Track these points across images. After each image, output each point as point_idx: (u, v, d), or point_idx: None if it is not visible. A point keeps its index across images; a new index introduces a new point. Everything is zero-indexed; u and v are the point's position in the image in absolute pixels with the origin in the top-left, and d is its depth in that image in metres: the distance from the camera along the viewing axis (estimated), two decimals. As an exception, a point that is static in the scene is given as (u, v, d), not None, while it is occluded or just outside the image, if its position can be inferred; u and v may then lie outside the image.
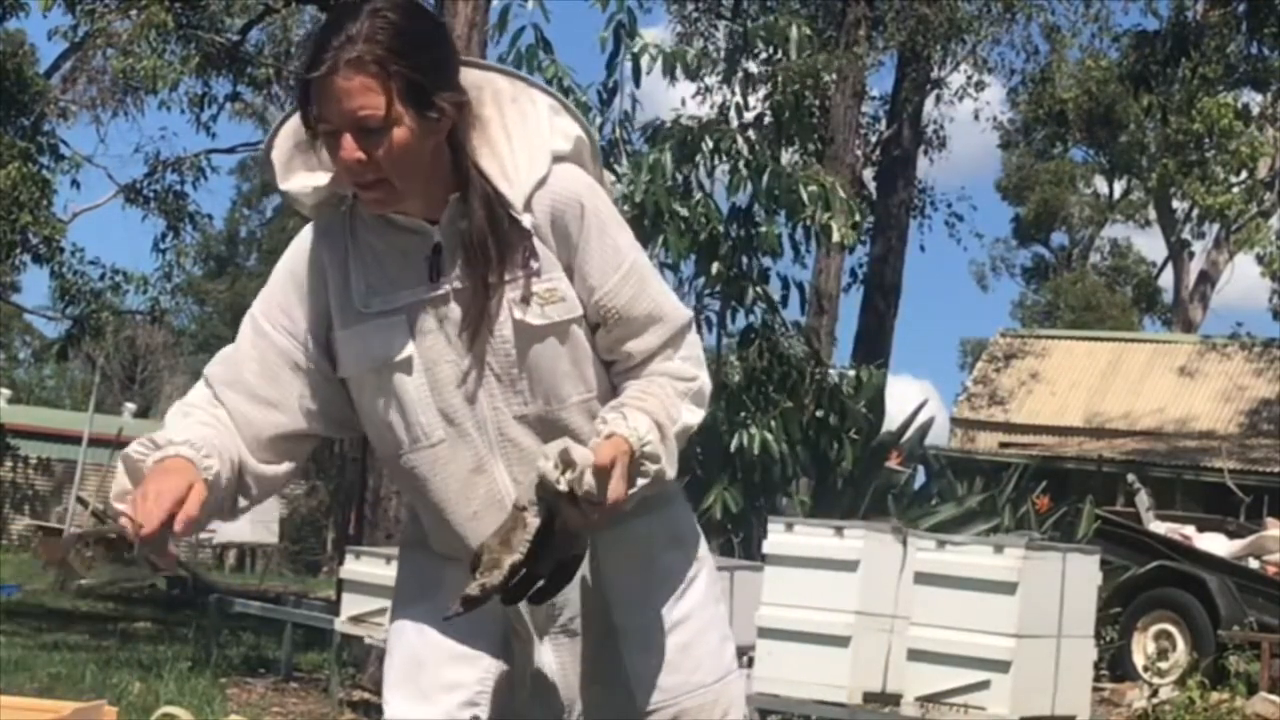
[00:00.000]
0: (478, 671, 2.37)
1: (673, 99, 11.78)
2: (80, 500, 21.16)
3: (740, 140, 9.44)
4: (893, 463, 11.53)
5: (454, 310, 2.30)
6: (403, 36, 2.21)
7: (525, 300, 2.30)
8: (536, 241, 2.31)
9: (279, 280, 2.38)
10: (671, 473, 2.29)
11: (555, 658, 2.40)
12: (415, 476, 2.36)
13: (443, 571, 2.42)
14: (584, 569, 2.34)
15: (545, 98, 2.39)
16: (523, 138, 2.33)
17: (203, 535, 24.65)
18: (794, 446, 9.74)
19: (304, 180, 2.35)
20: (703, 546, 2.53)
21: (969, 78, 22.75)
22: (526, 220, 2.29)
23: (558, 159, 2.34)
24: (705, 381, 2.38)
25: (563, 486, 2.16)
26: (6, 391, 35.93)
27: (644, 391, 2.31)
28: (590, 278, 2.33)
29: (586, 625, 2.41)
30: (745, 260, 9.46)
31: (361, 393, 2.35)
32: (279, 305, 2.37)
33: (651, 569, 2.41)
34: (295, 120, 2.33)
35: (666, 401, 2.30)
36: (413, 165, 2.23)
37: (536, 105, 2.37)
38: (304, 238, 2.39)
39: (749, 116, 10.04)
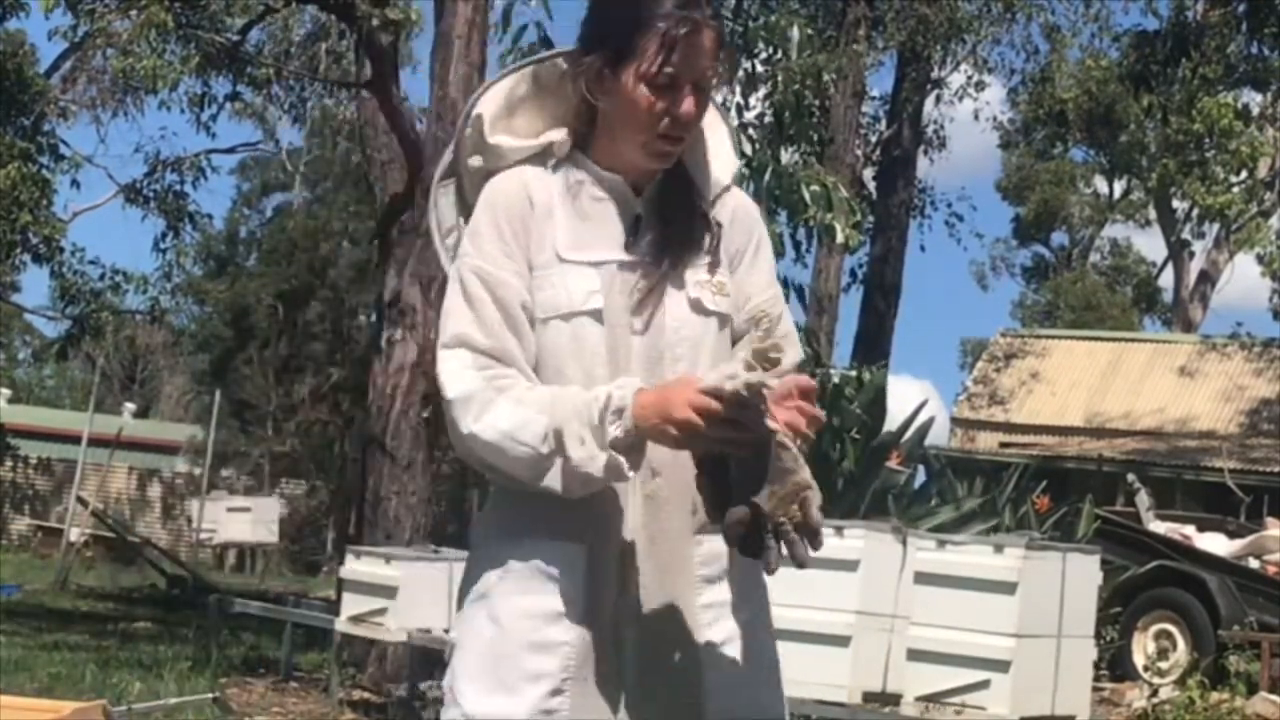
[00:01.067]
0: (559, 659, 2.37)
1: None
2: (80, 500, 21.16)
3: (741, 139, 9.43)
4: (893, 463, 11.52)
5: (639, 279, 2.40)
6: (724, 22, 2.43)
7: (702, 285, 2.44)
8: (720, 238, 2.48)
9: (489, 230, 2.42)
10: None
11: (634, 652, 2.39)
12: None
13: (551, 553, 2.39)
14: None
15: (724, 124, 2.57)
16: (713, 146, 2.51)
17: (202, 535, 24.68)
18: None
19: (513, 140, 2.46)
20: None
21: (969, 78, 22.79)
22: (714, 215, 2.47)
23: (734, 181, 2.54)
24: None
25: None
26: (6, 391, 35.95)
27: None
28: (750, 285, 2.49)
29: (663, 628, 2.40)
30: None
31: (544, 334, 2.40)
32: (501, 252, 2.40)
33: (733, 584, 2.44)
34: (507, 82, 2.48)
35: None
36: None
37: (722, 125, 2.55)
38: (508, 183, 2.45)
39: (749, 116, 10.04)
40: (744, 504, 2.23)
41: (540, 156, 2.47)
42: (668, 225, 2.43)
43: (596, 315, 2.38)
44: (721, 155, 2.52)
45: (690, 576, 2.41)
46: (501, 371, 2.34)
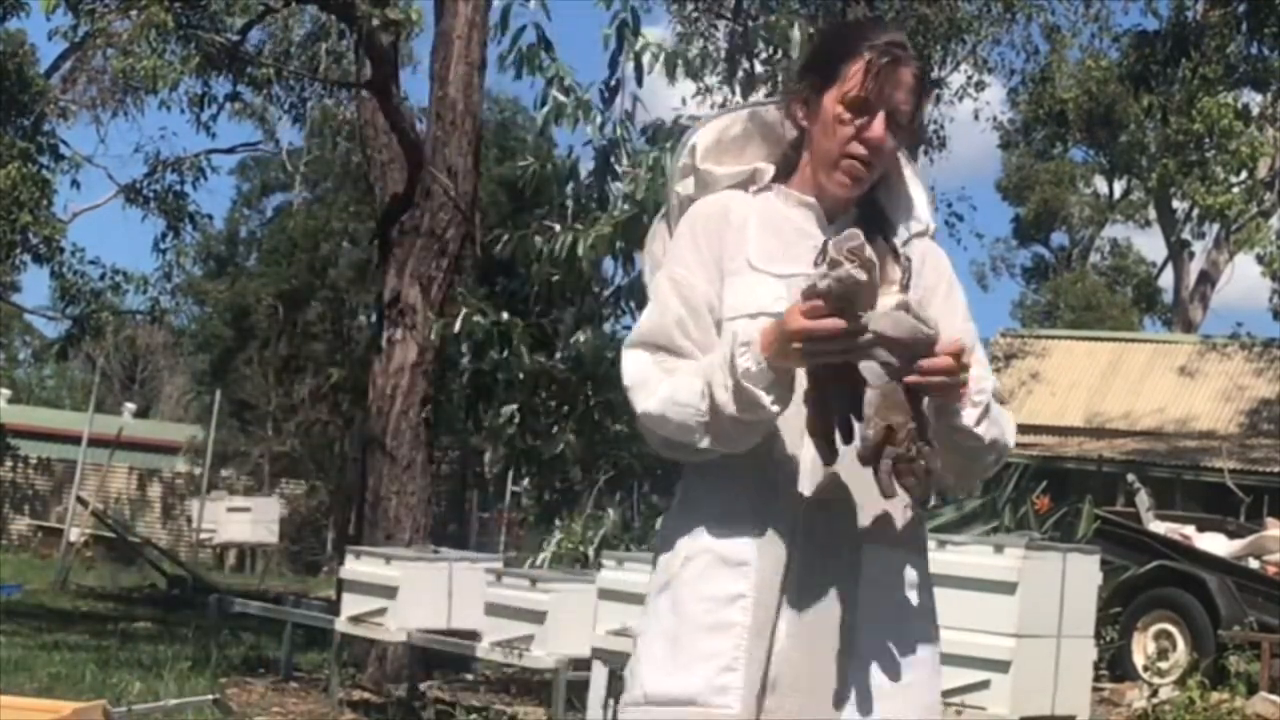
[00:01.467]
0: (732, 639, 2.51)
1: (673, 98, 11.76)
2: (80, 500, 21.15)
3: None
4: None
5: None
6: (928, 67, 2.55)
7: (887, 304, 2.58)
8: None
9: (686, 240, 2.66)
10: (995, 435, 2.53)
11: (786, 641, 2.50)
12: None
13: (728, 540, 2.55)
14: (844, 581, 2.52)
15: (922, 185, 2.78)
16: (913, 196, 2.73)
17: (202, 535, 24.68)
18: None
19: (721, 167, 2.71)
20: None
21: (969, 78, 22.78)
22: (907, 252, 2.63)
23: (927, 233, 2.74)
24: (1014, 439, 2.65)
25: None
26: (6, 391, 35.96)
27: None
28: (940, 313, 2.58)
29: (815, 625, 2.51)
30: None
31: (729, 333, 2.56)
32: (694, 259, 2.63)
33: (907, 605, 2.57)
34: (723, 120, 2.75)
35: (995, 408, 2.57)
36: (886, 166, 2.64)
37: (918, 184, 2.77)
38: (708, 203, 2.69)
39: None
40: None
41: (743, 184, 2.70)
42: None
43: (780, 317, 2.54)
44: (917, 207, 2.73)
45: (853, 581, 2.52)
46: (673, 358, 2.56)
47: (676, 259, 2.64)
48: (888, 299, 2.40)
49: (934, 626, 2.62)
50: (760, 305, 2.54)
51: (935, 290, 2.65)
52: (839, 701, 2.49)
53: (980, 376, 2.52)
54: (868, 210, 2.65)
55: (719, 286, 2.59)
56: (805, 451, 2.52)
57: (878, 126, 2.57)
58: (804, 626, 2.49)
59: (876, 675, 2.51)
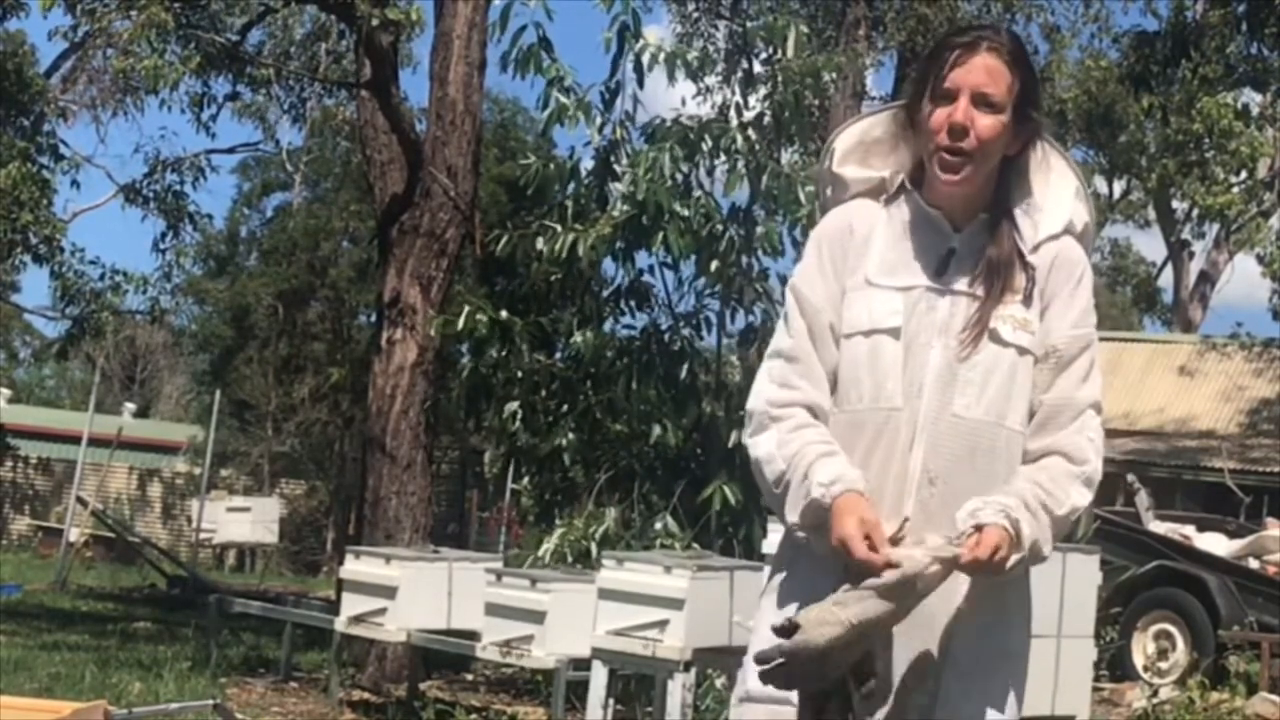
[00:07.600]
0: None
1: (673, 98, 11.76)
2: (80, 500, 21.14)
3: (740, 139, 9.42)
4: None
5: (946, 305, 2.69)
6: (1025, 54, 2.74)
7: (1004, 319, 2.69)
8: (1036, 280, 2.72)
9: (812, 256, 2.79)
10: (1048, 549, 2.64)
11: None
12: (864, 433, 2.68)
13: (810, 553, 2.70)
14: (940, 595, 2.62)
15: (1074, 180, 2.81)
16: (1051, 196, 2.76)
17: (202, 535, 24.71)
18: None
19: (857, 171, 2.80)
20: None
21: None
22: (1034, 259, 2.71)
23: (1067, 231, 2.76)
24: (1098, 467, 2.70)
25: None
26: (6, 391, 35.92)
27: (1032, 481, 2.65)
28: (1056, 324, 2.71)
29: (920, 627, 2.62)
30: (745, 259, 9.46)
31: (847, 349, 2.71)
32: (818, 274, 2.76)
33: (1002, 605, 2.69)
34: (866, 122, 2.83)
35: (1054, 486, 2.65)
36: (990, 156, 2.67)
37: (1065, 180, 2.80)
38: (835, 215, 2.80)
39: (749, 116, 10.03)
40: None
41: (876, 191, 2.79)
42: (983, 261, 2.69)
43: (894, 333, 2.67)
44: (1059, 205, 2.75)
45: (953, 581, 2.61)
46: (789, 398, 2.69)
47: (803, 274, 2.76)
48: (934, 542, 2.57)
49: (1026, 626, 2.73)
50: (875, 321, 2.67)
51: (1057, 296, 2.72)
52: (930, 698, 2.61)
53: (1014, 525, 2.58)
54: (999, 216, 2.71)
55: (838, 301, 2.71)
56: (911, 468, 2.63)
57: (960, 111, 2.63)
58: (902, 625, 2.58)
59: (965, 675, 2.62)
